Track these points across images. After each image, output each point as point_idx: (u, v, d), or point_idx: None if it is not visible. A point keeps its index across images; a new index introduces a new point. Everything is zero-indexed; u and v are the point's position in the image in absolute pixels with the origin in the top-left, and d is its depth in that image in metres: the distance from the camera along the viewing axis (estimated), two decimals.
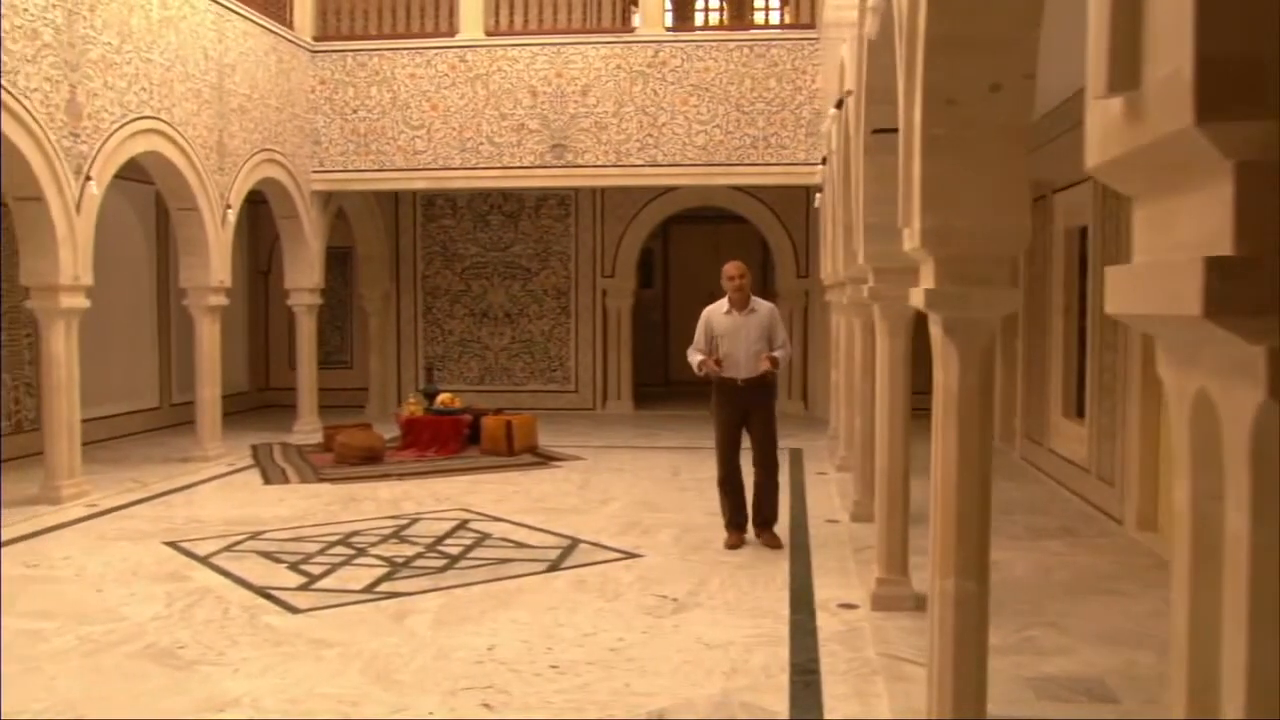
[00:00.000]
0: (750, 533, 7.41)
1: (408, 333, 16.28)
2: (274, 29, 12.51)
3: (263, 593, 6.25)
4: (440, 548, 7.41)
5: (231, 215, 11.54)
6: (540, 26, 13.55)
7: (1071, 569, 6.74)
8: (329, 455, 11.20)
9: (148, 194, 12.90)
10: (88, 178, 9.05)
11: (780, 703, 4.53)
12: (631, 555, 7.16)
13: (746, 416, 7.34)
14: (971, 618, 3.43)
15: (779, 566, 6.84)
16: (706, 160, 13.04)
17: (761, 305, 7.41)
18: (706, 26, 16.80)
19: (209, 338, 11.30)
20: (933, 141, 3.32)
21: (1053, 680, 4.73)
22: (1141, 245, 1.37)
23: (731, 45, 13.09)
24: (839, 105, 7.09)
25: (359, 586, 6.39)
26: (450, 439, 11.67)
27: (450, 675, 4.86)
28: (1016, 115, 3.26)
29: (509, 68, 13.22)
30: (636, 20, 13.97)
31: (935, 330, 3.51)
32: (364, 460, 10.85)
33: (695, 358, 7.35)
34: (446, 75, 13.31)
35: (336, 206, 14.35)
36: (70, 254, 8.84)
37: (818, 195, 11.86)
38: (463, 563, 7.01)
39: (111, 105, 9.43)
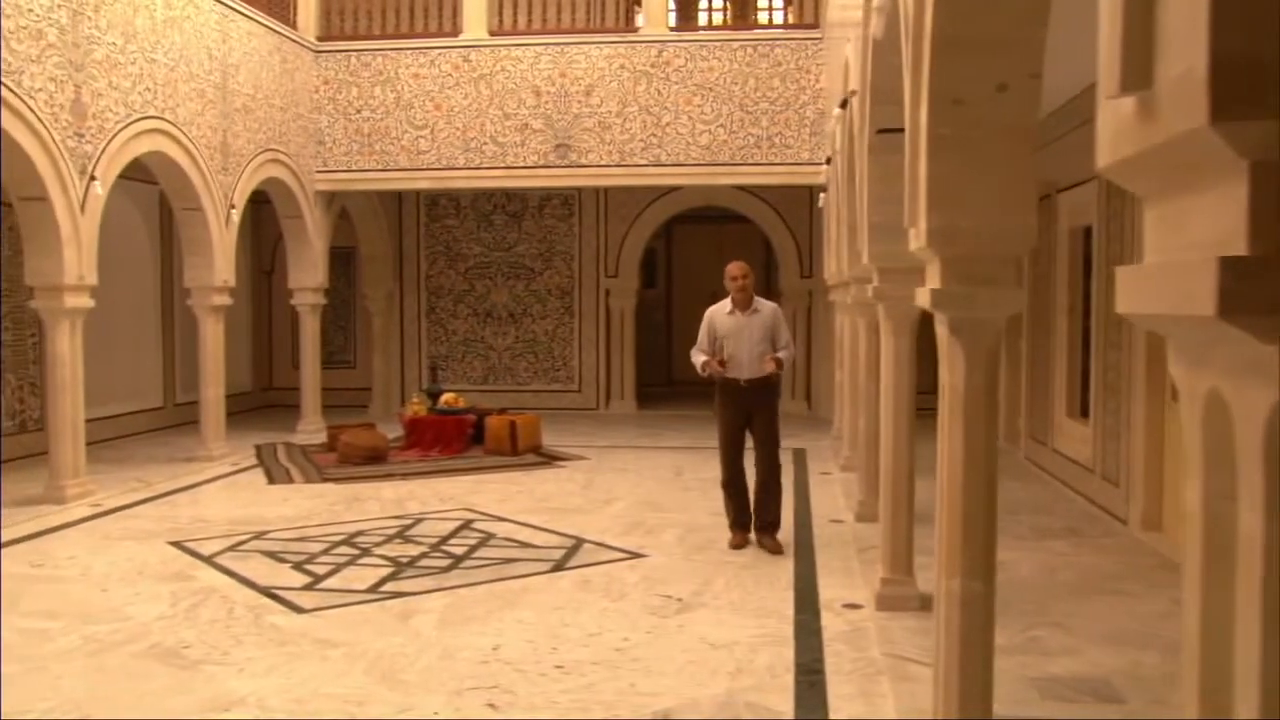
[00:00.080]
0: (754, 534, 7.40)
1: (411, 332, 16.28)
2: (278, 29, 12.52)
3: (267, 592, 6.26)
4: (444, 548, 7.41)
5: (235, 215, 11.54)
6: (544, 26, 13.55)
7: (1076, 569, 6.74)
8: (333, 455, 11.21)
9: (152, 194, 12.91)
10: (92, 178, 9.06)
11: (785, 703, 4.53)
12: (636, 555, 7.16)
13: (749, 417, 7.30)
14: (978, 618, 3.42)
15: (783, 566, 6.84)
16: (710, 160, 13.04)
17: (765, 305, 7.38)
18: (710, 26, 16.79)
19: (213, 337, 11.31)
20: (939, 141, 3.31)
21: (1058, 680, 4.73)
22: (1153, 245, 1.36)
23: (735, 45, 13.09)
24: (844, 105, 7.09)
25: (363, 586, 6.39)
26: (454, 439, 11.68)
27: (455, 675, 4.86)
28: (1023, 115, 3.26)
29: (513, 67, 13.22)
30: (640, 20, 13.96)
31: (941, 330, 3.51)
32: (368, 460, 10.85)
33: (699, 358, 7.34)
34: (450, 75, 13.32)
35: (340, 206, 14.36)
36: (75, 254, 8.85)
37: (822, 195, 11.85)
38: (467, 563, 7.01)
39: (116, 105, 9.44)
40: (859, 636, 5.40)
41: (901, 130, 4.70)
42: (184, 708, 4.53)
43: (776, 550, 7.15)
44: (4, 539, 7.60)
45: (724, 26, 16.85)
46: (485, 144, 13.28)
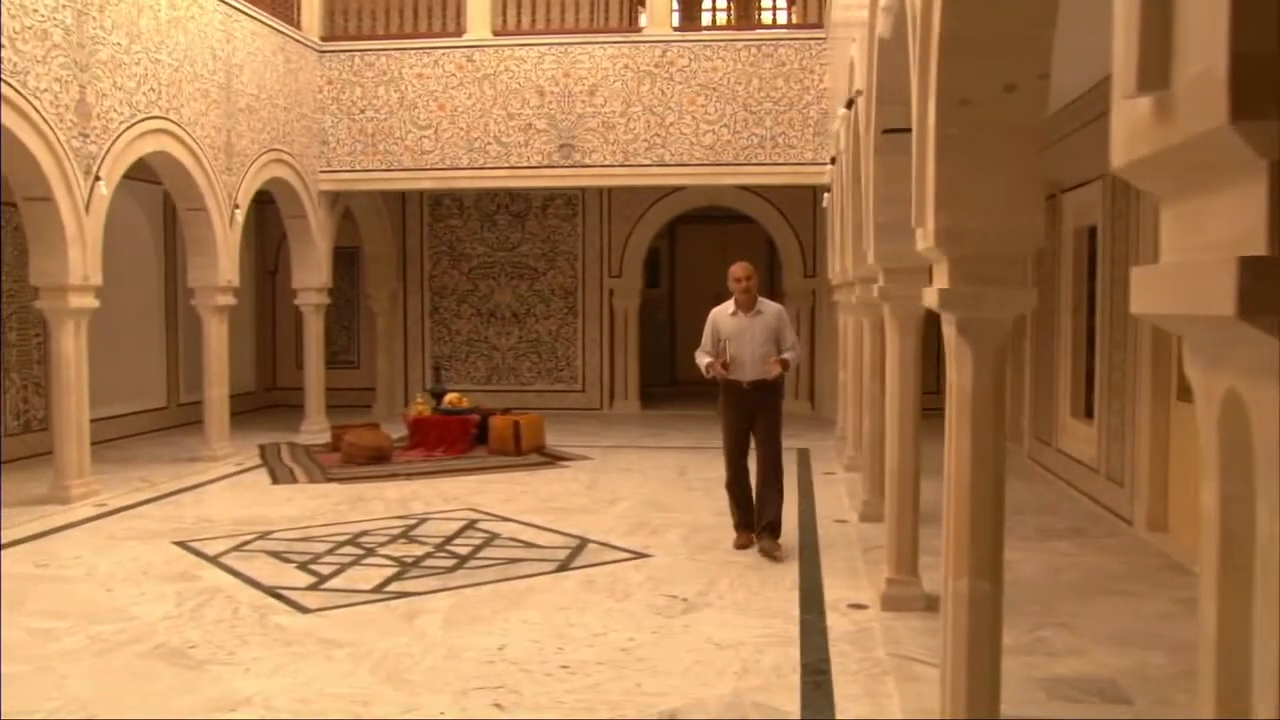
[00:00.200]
0: None
1: (415, 332, 16.29)
2: (281, 29, 12.52)
3: (272, 592, 6.26)
4: (449, 547, 7.41)
5: (239, 215, 11.55)
6: (548, 26, 13.55)
7: (1081, 569, 6.73)
8: (337, 455, 11.21)
9: (156, 194, 12.92)
10: (97, 178, 9.07)
11: (792, 703, 4.53)
12: (640, 555, 7.16)
13: (753, 418, 7.24)
14: (985, 618, 3.42)
15: (788, 567, 6.83)
16: (714, 160, 13.04)
17: (769, 307, 7.32)
18: (714, 26, 16.79)
19: (217, 337, 11.31)
20: (946, 141, 3.31)
21: (1064, 681, 4.72)
22: (1169, 245, 1.36)
23: (739, 45, 13.09)
24: (849, 105, 7.08)
25: (368, 586, 6.39)
26: (458, 439, 11.68)
27: (461, 675, 4.86)
28: (1030, 115, 3.25)
29: (516, 67, 13.22)
30: (644, 20, 13.96)
31: (949, 330, 3.51)
32: (372, 460, 10.85)
33: (703, 360, 7.30)
34: (454, 75, 13.32)
35: (344, 206, 14.37)
36: (79, 254, 8.85)
37: (826, 195, 11.85)
38: (472, 563, 7.01)
39: (120, 105, 9.45)
40: (864, 637, 5.39)
41: (907, 130, 4.70)
42: (190, 707, 4.53)
43: (772, 554, 6.99)
44: (10, 539, 7.61)
45: (727, 26, 16.85)
46: (489, 144, 13.28)
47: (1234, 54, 1.04)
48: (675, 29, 13.58)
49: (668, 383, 18.24)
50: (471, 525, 8.13)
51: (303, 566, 6.88)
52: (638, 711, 4.44)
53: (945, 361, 3.75)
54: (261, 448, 12.02)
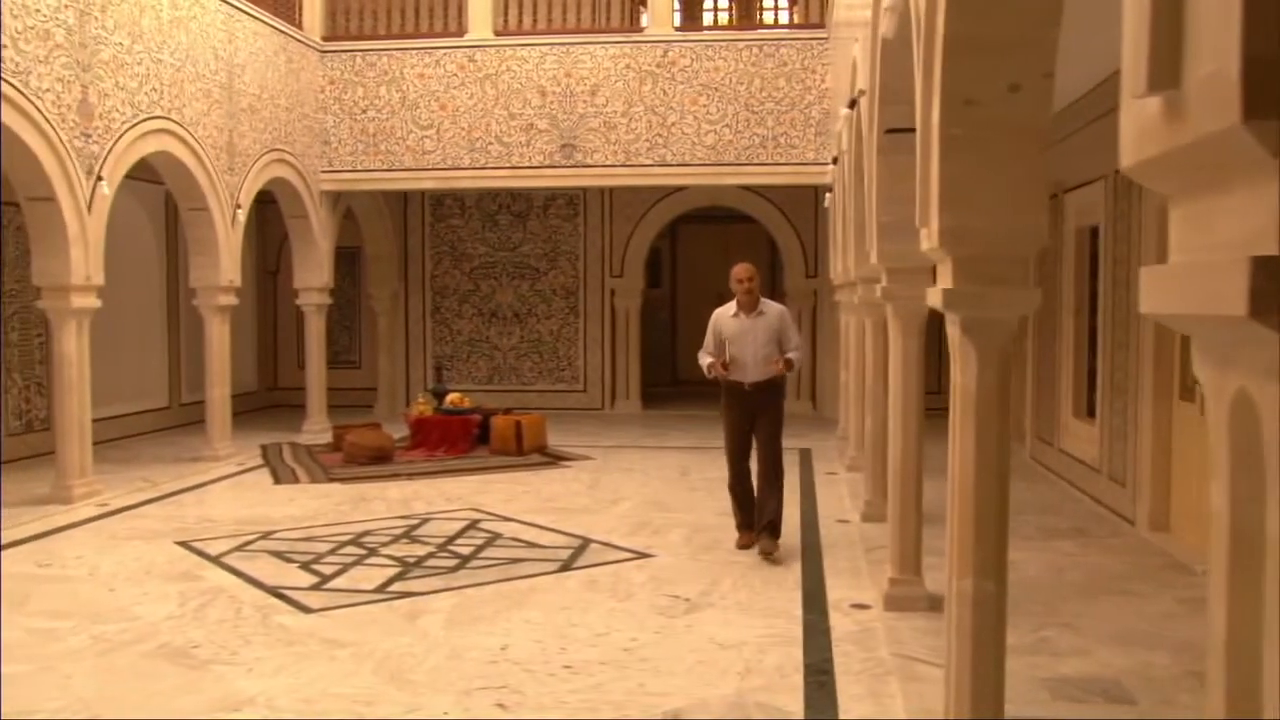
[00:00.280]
0: None
1: (416, 332, 16.29)
2: (283, 29, 12.53)
3: (275, 592, 6.26)
4: (451, 547, 7.41)
5: (241, 215, 11.56)
6: (549, 26, 13.55)
7: (1084, 569, 6.73)
8: (338, 455, 11.21)
9: (158, 194, 12.92)
10: (99, 178, 9.07)
11: (795, 703, 4.53)
12: (643, 555, 7.16)
13: (754, 420, 7.18)
14: (989, 618, 3.42)
15: (791, 567, 6.83)
16: (715, 160, 13.04)
17: (771, 308, 7.26)
18: (715, 26, 16.78)
19: (219, 337, 11.32)
20: (951, 141, 3.31)
21: (1068, 681, 4.72)
22: (1178, 245, 1.36)
23: (741, 45, 13.09)
24: (852, 105, 7.08)
25: (371, 586, 6.40)
26: (459, 439, 11.68)
27: (464, 675, 4.87)
28: (1035, 115, 3.25)
29: (518, 67, 13.23)
30: (645, 20, 13.96)
31: (953, 330, 3.50)
32: (373, 460, 10.86)
33: (705, 360, 7.28)
34: (455, 75, 13.32)
35: (345, 206, 14.37)
36: (81, 254, 8.86)
37: (828, 195, 11.85)
38: (474, 562, 7.01)
39: (122, 105, 9.45)
40: (867, 637, 5.39)
41: (910, 130, 4.70)
42: (193, 707, 4.53)
43: (769, 555, 6.96)
44: (12, 539, 7.61)
45: (729, 26, 16.84)
46: (490, 144, 13.28)
47: (1246, 54, 1.04)
48: (677, 29, 13.57)
49: (669, 383, 18.23)
50: (473, 525, 8.13)
51: (305, 566, 6.88)
52: (641, 711, 4.44)
53: (946, 361, 3.75)
54: (263, 448, 12.03)
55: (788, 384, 8.52)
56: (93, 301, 9.04)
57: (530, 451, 11.49)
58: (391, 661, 5.06)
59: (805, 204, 15.07)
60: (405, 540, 7.61)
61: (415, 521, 8.24)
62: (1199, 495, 6.88)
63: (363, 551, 7.28)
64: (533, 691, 4.67)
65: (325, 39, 13.54)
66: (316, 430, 13.19)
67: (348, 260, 15.80)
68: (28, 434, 11.17)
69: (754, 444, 7.23)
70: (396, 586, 6.41)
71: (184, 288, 12.88)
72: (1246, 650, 1.24)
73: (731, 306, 7.24)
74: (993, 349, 3.42)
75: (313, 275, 13.48)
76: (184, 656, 5.15)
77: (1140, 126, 1.34)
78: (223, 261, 11.18)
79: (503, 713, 4.45)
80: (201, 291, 11.26)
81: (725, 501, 7.59)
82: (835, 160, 10.39)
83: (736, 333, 7.14)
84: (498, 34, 13.37)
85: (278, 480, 10.11)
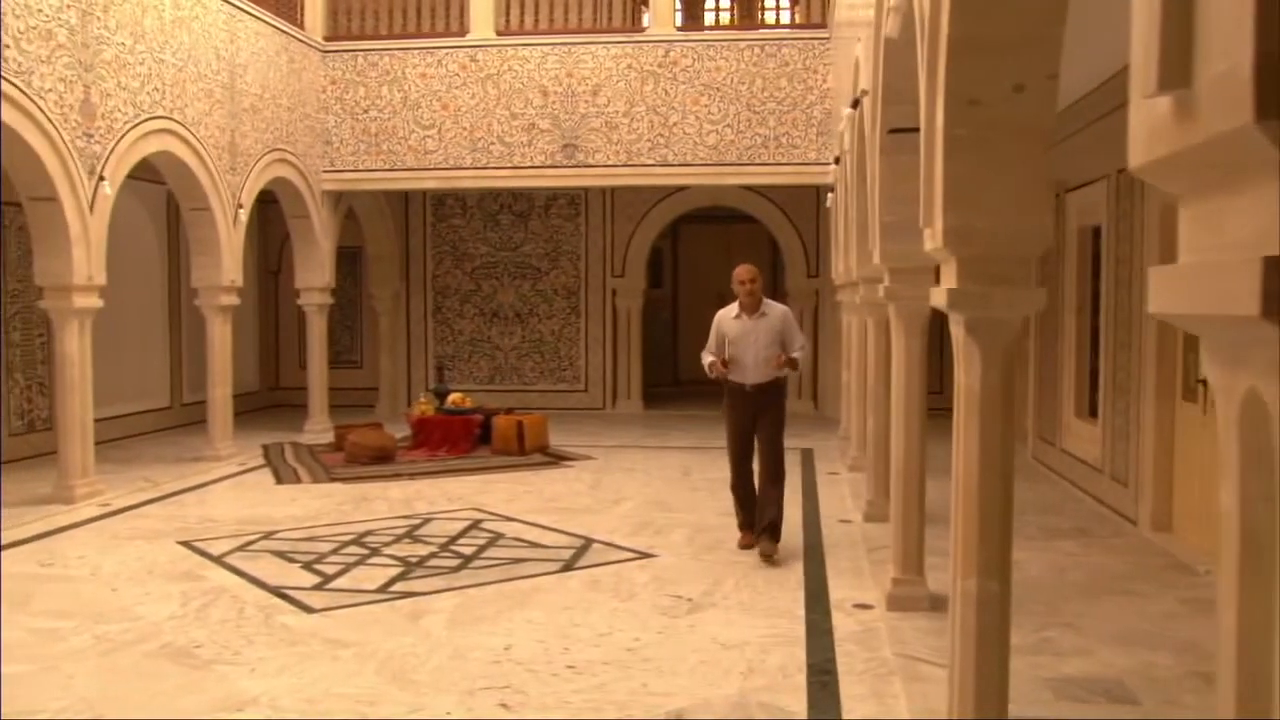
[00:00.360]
0: None
1: (418, 332, 16.29)
2: (285, 29, 12.53)
3: (277, 592, 6.26)
4: (453, 547, 7.41)
5: (243, 215, 11.56)
6: (551, 26, 13.55)
7: (1086, 569, 6.73)
8: (340, 455, 11.21)
9: (159, 194, 12.92)
10: (101, 178, 9.07)
11: (798, 703, 4.52)
12: (645, 555, 7.16)
13: (756, 420, 7.14)
14: (993, 618, 3.41)
15: (793, 567, 6.83)
16: (717, 160, 13.04)
17: (774, 309, 7.22)
18: (717, 26, 16.78)
19: (220, 337, 11.32)
20: (955, 142, 3.31)
21: (1071, 681, 4.72)
22: (1187, 245, 1.36)
23: (742, 45, 13.08)
24: (855, 105, 7.08)
25: (373, 586, 6.39)
26: (461, 439, 11.68)
27: (467, 675, 4.86)
28: (1039, 116, 3.25)
29: (520, 67, 13.23)
30: (647, 20, 13.96)
31: (957, 330, 3.50)
32: (375, 460, 10.86)
33: (706, 359, 7.26)
34: (457, 75, 13.32)
35: (347, 206, 14.37)
36: (84, 254, 8.86)
37: (830, 195, 11.84)
38: (476, 562, 7.01)
39: (124, 105, 9.45)
40: (870, 637, 5.39)
41: (913, 130, 4.70)
42: (196, 707, 4.53)
43: (770, 556, 6.92)
44: (14, 539, 7.61)
45: (730, 26, 16.84)
46: (492, 144, 13.28)
47: (1259, 53, 1.04)
48: (678, 29, 13.57)
49: (670, 383, 18.23)
50: (476, 525, 8.13)
51: (307, 566, 6.88)
52: (644, 712, 4.44)
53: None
54: (265, 447, 12.03)
55: (789, 384, 8.48)
56: (95, 301, 9.04)
57: (532, 451, 11.49)
58: (394, 661, 5.06)
59: (807, 204, 15.07)
60: (407, 540, 7.61)
61: (417, 521, 8.24)
62: (1201, 495, 6.88)
63: (365, 551, 7.28)
64: (536, 692, 4.67)
65: (327, 39, 13.55)
66: (318, 430, 13.19)
67: (349, 260, 15.81)
68: (30, 434, 11.18)
69: (756, 444, 7.21)
70: (399, 586, 6.41)
71: (186, 287, 12.88)
72: (1256, 650, 1.24)
73: (734, 308, 7.21)
74: (997, 349, 3.41)
75: (314, 275, 13.48)
76: (187, 656, 5.15)
77: (1150, 126, 1.34)
78: (224, 261, 11.18)
79: (506, 713, 4.45)
80: (203, 291, 11.26)
81: (727, 501, 7.59)
82: (837, 160, 10.39)
83: (738, 334, 7.11)
84: (499, 34, 13.37)
85: (279, 480, 10.11)
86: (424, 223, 16.23)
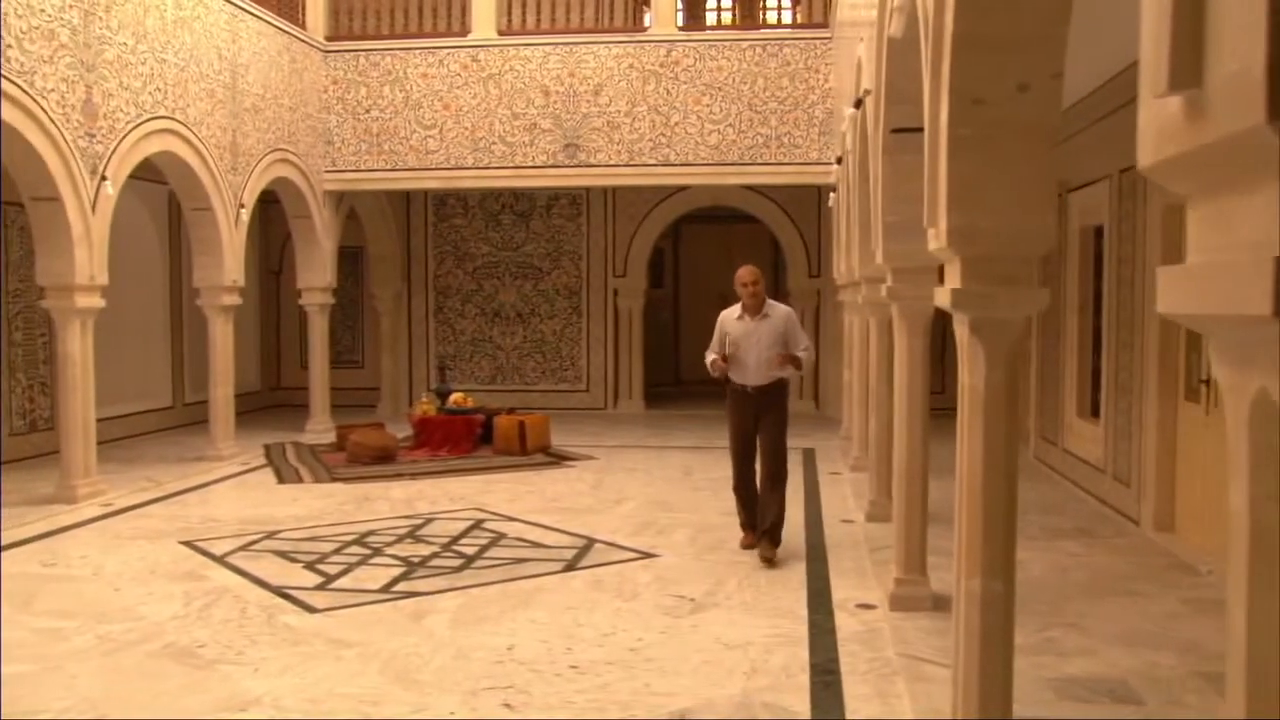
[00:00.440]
0: None
1: (419, 332, 16.29)
2: (287, 29, 12.53)
3: (280, 592, 6.26)
4: (456, 547, 7.41)
5: (245, 215, 11.56)
6: (552, 26, 13.55)
7: (1089, 569, 6.72)
8: (342, 455, 11.21)
9: (161, 194, 12.93)
10: (103, 178, 9.07)
11: (801, 703, 4.52)
12: (647, 555, 7.16)
13: (758, 422, 7.09)
14: (998, 618, 3.41)
15: (796, 567, 6.83)
16: (719, 160, 13.04)
17: (777, 310, 7.17)
18: (718, 26, 16.79)
19: (222, 337, 11.32)
20: (959, 141, 3.30)
21: (1075, 681, 4.72)
22: (1196, 245, 1.36)
23: (744, 45, 13.08)
24: (858, 105, 7.08)
25: (376, 586, 6.39)
26: (463, 438, 11.68)
27: (470, 675, 4.87)
28: (1044, 115, 3.25)
29: (521, 67, 13.23)
30: (648, 20, 13.96)
31: (961, 330, 3.50)
32: (377, 460, 10.86)
33: (709, 358, 7.24)
34: (459, 75, 13.32)
35: (348, 206, 14.37)
36: (86, 254, 8.86)
37: (831, 195, 11.84)
38: (479, 562, 7.01)
39: (126, 105, 9.45)
40: (873, 637, 5.39)
41: (916, 130, 4.70)
42: (200, 707, 4.54)
43: (766, 559, 6.88)
44: (17, 538, 7.61)
45: (732, 26, 16.84)
46: (494, 144, 13.28)
47: (1271, 54, 1.04)
48: (680, 29, 13.56)
49: (672, 382, 18.23)
50: (478, 525, 8.13)
51: (310, 566, 6.88)
52: (648, 712, 4.44)
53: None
54: (267, 447, 12.03)
55: (791, 385, 8.44)
56: (97, 301, 9.05)
57: (534, 451, 11.49)
58: (397, 661, 5.06)
59: (808, 204, 15.07)
60: (409, 540, 7.61)
61: (419, 521, 8.24)
62: (1203, 495, 6.88)
63: (367, 551, 7.28)
64: (539, 691, 4.67)
65: (329, 39, 13.55)
66: (320, 430, 13.20)
67: (351, 260, 15.82)
68: (32, 433, 11.19)
69: (758, 445, 7.17)
70: (401, 586, 6.41)
71: (187, 287, 12.89)
72: (1266, 649, 1.24)
73: (737, 308, 7.17)
74: (1001, 349, 3.41)
75: (316, 275, 13.48)
76: (190, 656, 5.15)
77: (1159, 126, 1.34)
78: (226, 261, 11.18)
79: (509, 713, 4.45)
80: (205, 291, 11.26)
81: (729, 501, 7.59)
82: (839, 160, 10.39)
83: (741, 335, 7.06)
84: (501, 34, 13.37)
85: (281, 480, 10.11)
86: (425, 222, 16.23)
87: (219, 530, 7.93)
